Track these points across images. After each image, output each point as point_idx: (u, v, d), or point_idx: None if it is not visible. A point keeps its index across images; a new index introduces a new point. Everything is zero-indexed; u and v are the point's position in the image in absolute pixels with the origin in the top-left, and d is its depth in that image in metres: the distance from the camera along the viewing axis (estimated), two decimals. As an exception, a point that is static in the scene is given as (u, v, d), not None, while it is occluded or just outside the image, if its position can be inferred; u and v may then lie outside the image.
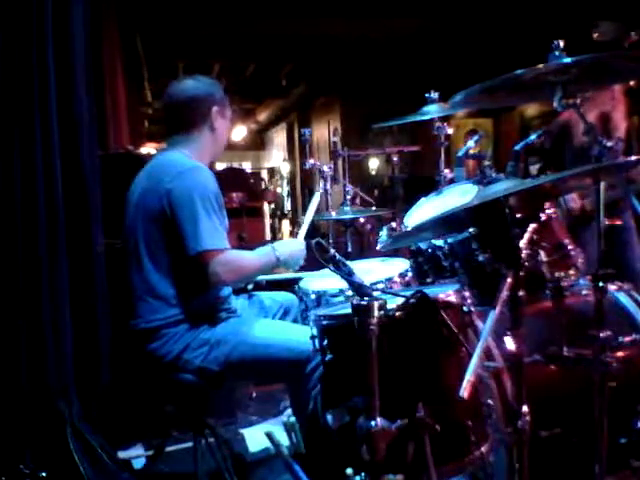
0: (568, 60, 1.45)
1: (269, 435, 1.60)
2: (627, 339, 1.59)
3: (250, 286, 2.43)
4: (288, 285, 2.50)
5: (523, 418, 1.39)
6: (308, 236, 2.24)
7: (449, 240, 1.98)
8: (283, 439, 1.58)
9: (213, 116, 2.17)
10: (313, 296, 2.27)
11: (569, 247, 1.87)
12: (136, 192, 2.14)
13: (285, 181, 12.75)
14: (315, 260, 1.51)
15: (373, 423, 1.33)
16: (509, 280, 1.40)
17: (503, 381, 1.58)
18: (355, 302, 1.37)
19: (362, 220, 3.99)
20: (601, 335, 1.42)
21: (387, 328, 1.38)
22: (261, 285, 2.49)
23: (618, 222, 2.41)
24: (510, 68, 1.49)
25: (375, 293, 1.41)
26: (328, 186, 2.97)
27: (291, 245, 2.21)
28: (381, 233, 2.44)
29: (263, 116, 13.61)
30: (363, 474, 1.35)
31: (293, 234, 9.55)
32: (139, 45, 6.83)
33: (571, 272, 1.85)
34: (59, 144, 2.26)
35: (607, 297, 1.47)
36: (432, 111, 2.61)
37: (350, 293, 1.98)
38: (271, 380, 2.62)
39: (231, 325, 2.10)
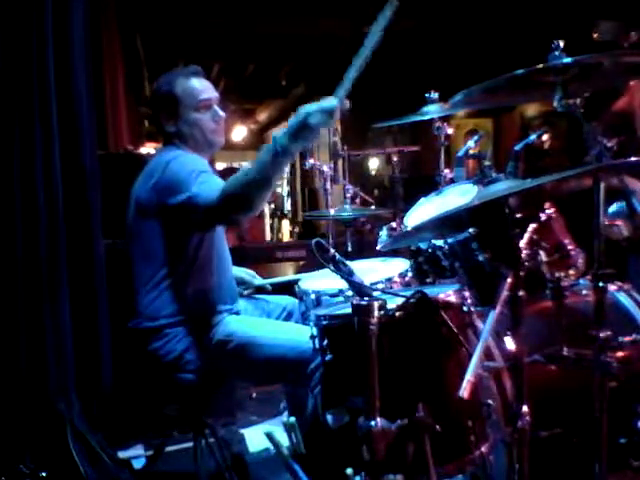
0: (568, 60, 1.45)
1: (269, 435, 1.60)
2: (627, 339, 1.59)
3: (247, 292, 2.43)
4: (289, 287, 2.50)
5: (523, 418, 1.39)
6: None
7: (449, 240, 1.98)
8: (283, 439, 1.58)
9: (161, 122, 2.11)
10: (313, 296, 2.27)
11: (569, 247, 1.86)
12: (135, 191, 2.14)
13: (285, 181, 12.74)
14: (315, 260, 1.51)
15: (373, 423, 1.33)
16: (509, 280, 1.40)
17: (503, 381, 1.58)
18: (355, 302, 1.37)
19: (362, 220, 3.99)
20: (601, 335, 1.41)
21: (387, 328, 1.38)
22: (266, 290, 2.49)
23: (618, 222, 2.40)
24: (510, 68, 1.49)
25: (375, 293, 1.41)
26: (328, 186, 2.98)
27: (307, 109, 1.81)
28: (381, 233, 2.44)
29: (263, 116, 13.60)
30: (363, 474, 1.35)
31: (293, 234, 9.55)
32: (139, 45, 6.83)
33: (571, 272, 1.85)
34: (59, 144, 2.26)
35: (607, 297, 1.47)
36: (432, 111, 2.61)
37: (350, 293, 1.98)
38: (272, 380, 2.61)
39: (233, 325, 2.10)
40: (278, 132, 1.79)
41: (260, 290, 2.47)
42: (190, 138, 2.12)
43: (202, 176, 1.92)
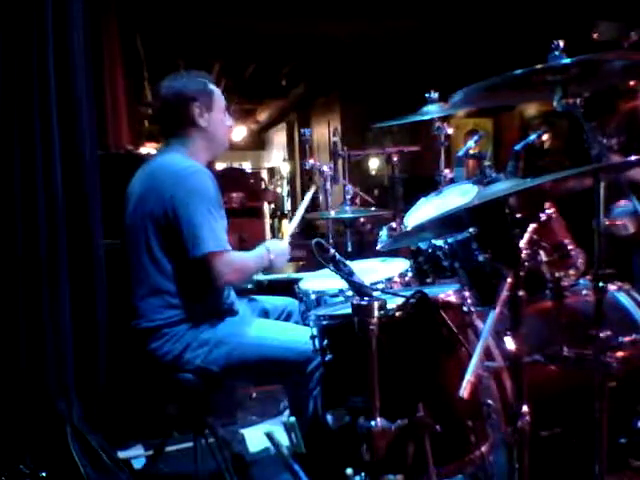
0: (568, 60, 1.45)
1: (269, 435, 1.60)
2: (627, 339, 1.59)
3: (250, 285, 2.43)
4: (289, 287, 2.50)
5: (523, 418, 1.39)
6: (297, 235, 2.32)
7: (449, 240, 1.98)
8: (283, 439, 1.58)
9: (194, 113, 2.13)
10: (313, 296, 2.27)
11: (569, 247, 1.87)
12: (136, 192, 2.14)
13: (285, 181, 12.74)
14: (315, 260, 1.50)
15: (373, 423, 1.33)
16: (509, 280, 1.40)
17: (503, 381, 1.58)
18: (355, 302, 1.37)
19: (362, 220, 3.99)
20: (601, 335, 1.41)
21: (387, 328, 1.38)
22: (263, 285, 2.49)
23: (618, 222, 2.40)
24: (510, 68, 1.49)
25: (375, 293, 1.41)
26: (328, 186, 2.97)
27: (280, 246, 2.24)
28: (381, 233, 2.45)
29: (263, 116, 13.61)
30: (363, 474, 1.35)
31: (293, 234, 9.56)
32: (139, 45, 6.83)
33: (571, 272, 1.85)
34: (59, 144, 2.26)
35: (607, 297, 1.47)
36: (432, 111, 2.61)
37: (350, 293, 1.98)
38: (271, 381, 2.62)
39: (232, 325, 2.10)
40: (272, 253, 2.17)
41: (259, 286, 2.48)
42: (201, 139, 2.17)
43: (215, 221, 2.00)
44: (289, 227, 2.42)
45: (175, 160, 2.11)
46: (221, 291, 2.12)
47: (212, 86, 2.21)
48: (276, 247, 2.20)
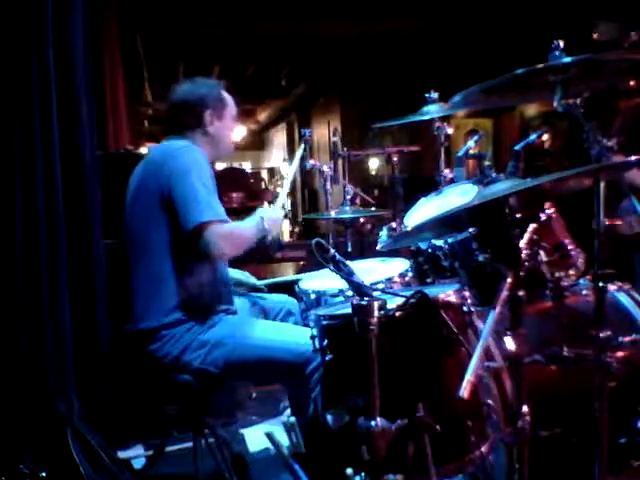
0: (568, 60, 1.45)
1: (269, 435, 1.60)
2: (627, 339, 1.59)
3: (242, 290, 2.44)
4: (288, 288, 2.50)
5: (523, 418, 1.39)
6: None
7: (449, 240, 1.98)
8: (283, 439, 1.58)
9: (206, 120, 2.18)
10: (313, 296, 2.27)
11: (569, 247, 1.87)
12: (132, 187, 2.16)
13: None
14: (315, 260, 1.50)
15: (373, 423, 1.33)
16: (509, 280, 1.40)
17: (503, 381, 1.58)
18: (355, 302, 1.37)
19: (362, 220, 3.98)
20: (601, 335, 1.41)
21: (387, 328, 1.38)
22: (261, 289, 2.50)
23: (618, 222, 2.41)
24: (510, 68, 1.49)
25: (375, 293, 1.41)
26: (328, 186, 2.97)
27: (273, 214, 2.21)
28: (381, 233, 2.45)
29: (263, 116, 13.62)
30: (363, 474, 1.35)
31: (293, 234, 9.56)
32: (139, 45, 6.83)
33: (571, 272, 1.85)
34: (59, 144, 2.26)
35: (607, 297, 1.47)
36: (432, 111, 2.61)
37: (350, 293, 1.98)
38: (271, 381, 2.62)
39: (230, 326, 2.10)
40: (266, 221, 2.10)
41: (256, 290, 2.48)
42: (206, 144, 2.20)
43: (210, 192, 2.00)
44: (280, 195, 2.41)
45: (172, 144, 2.15)
46: (220, 291, 2.12)
47: (227, 96, 2.26)
48: (269, 215, 2.17)
